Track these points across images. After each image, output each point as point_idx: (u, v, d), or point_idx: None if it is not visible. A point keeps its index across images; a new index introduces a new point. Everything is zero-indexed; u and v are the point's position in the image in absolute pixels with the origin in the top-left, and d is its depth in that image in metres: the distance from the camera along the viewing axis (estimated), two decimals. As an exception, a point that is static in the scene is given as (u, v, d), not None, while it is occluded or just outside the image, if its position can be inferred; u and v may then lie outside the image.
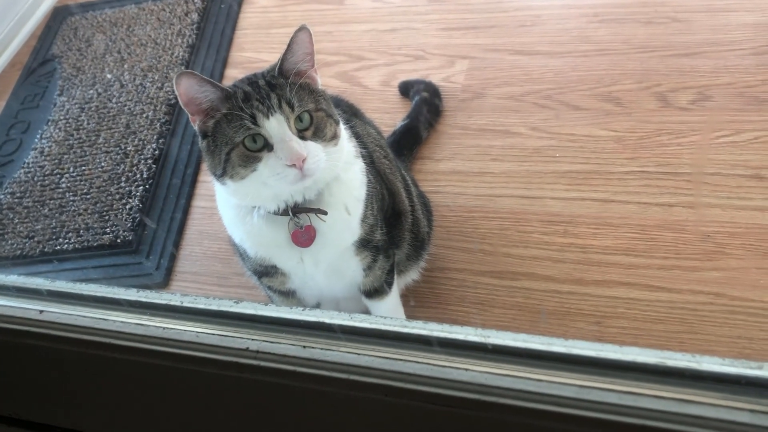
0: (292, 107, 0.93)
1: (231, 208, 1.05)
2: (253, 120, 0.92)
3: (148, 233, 1.68)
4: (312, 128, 0.95)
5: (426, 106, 1.64)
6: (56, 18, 2.35)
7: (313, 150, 0.93)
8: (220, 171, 0.96)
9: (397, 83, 1.76)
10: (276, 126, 0.92)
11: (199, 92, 0.94)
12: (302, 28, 0.96)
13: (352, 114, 1.21)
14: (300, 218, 1.01)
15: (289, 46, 0.96)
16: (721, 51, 1.60)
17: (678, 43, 1.65)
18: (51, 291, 0.84)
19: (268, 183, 0.94)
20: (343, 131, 1.02)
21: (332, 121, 0.98)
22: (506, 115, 1.63)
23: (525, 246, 1.39)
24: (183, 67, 2.01)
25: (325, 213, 1.01)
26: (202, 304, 0.80)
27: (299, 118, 0.94)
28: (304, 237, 1.02)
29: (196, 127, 0.98)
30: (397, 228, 1.20)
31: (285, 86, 0.94)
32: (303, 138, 0.94)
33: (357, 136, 1.10)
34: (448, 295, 1.36)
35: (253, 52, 2.03)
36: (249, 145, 0.93)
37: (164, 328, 0.78)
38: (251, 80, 0.97)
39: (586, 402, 0.64)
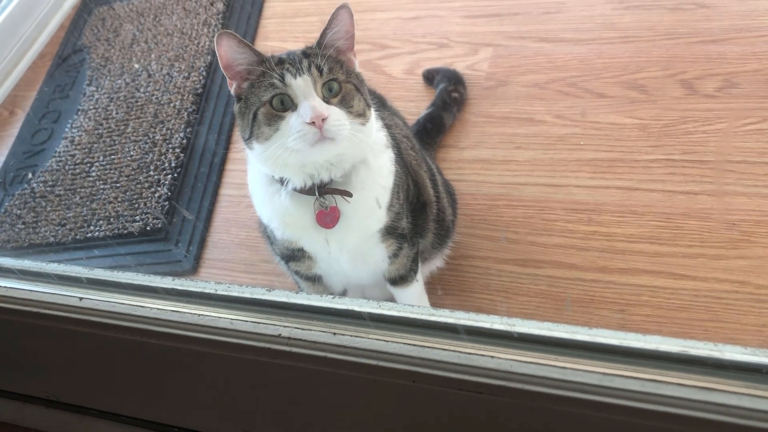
0: (321, 72, 0.96)
1: (261, 186, 1.08)
2: (282, 79, 0.95)
3: (177, 221, 1.71)
4: (339, 97, 0.97)
5: (450, 94, 1.65)
6: (84, 8, 2.38)
7: (335, 113, 0.95)
8: (248, 133, 0.99)
9: (421, 71, 1.76)
10: (302, 85, 0.95)
11: (236, 53, 0.98)
12: (343, 6, 0.98)
13: (381, 105, 1.22)
14: (326, 199, 1.03)
15: (328, 22, 0.99)
16: (749, 37, 1.58)
17: (704, 29, 1.63)
18: (90, 279, 0.87)
19: (290, 144, 0.95)
20: (374, 117, 1.04)
21: (362, 98, 1.00)
22: (530, 103, 1.63)
23: (549, 234, 1.39)
24: (209, 57, 2.04)
25: (350, 195, 1.03)
26: (235, 292, 0.82)
27: (328, 87, 0.97)
28: (328, 218, 1.04)
29: (232, 91, 1.02)
30: (422, 218, 1.22)
31: (318, 55, 0.98)
32: (328, 103, 0.96)
33: (386, 127, 1.12)
34: (473, 282, 1.37)
35: (278, 41, 2.05)
36: (275, 105, 0.96)
37: (199, 315, 0.80)
38: (290, 52, 1.01)
39: (610, 389, 0.65)
